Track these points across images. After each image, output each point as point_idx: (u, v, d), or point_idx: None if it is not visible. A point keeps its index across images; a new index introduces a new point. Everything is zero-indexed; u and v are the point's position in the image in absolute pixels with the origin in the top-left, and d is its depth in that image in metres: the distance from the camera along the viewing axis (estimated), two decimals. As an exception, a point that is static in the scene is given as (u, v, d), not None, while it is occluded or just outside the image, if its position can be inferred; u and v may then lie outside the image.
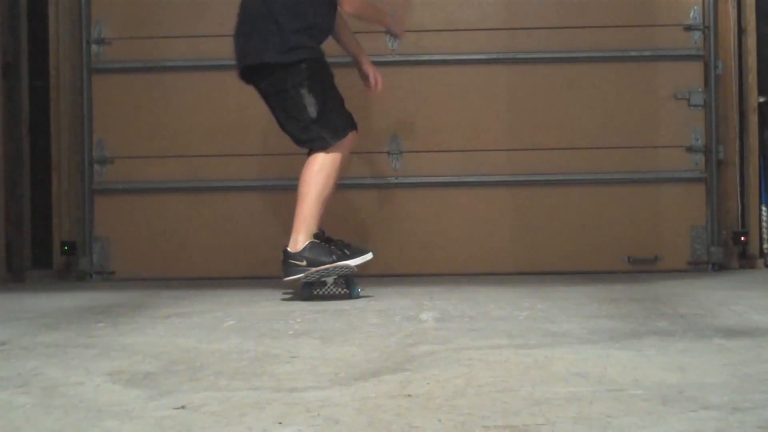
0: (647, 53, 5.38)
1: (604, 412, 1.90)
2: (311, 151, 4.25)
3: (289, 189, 5.41)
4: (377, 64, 5.37)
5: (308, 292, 4.10)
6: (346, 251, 4.13)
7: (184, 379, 2.34)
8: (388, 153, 5.43)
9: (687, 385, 2.15)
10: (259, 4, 4.24)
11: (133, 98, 5.48)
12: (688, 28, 5.37)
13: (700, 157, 5.37)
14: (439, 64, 5.41)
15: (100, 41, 5.47)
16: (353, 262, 4.11)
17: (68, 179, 5.48)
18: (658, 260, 5.34)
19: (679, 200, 5.39)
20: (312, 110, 4.17)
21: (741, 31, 5.38)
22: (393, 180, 5.44)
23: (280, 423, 1.87)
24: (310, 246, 4.07)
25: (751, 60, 5.37)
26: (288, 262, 4.08)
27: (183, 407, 2.02)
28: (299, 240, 4.08)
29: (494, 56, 5.42)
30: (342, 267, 4.07)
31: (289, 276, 4.09)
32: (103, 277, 5.46)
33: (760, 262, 5.36)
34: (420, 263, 5.36)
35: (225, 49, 5.43)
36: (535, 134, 5.41)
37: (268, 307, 3.88)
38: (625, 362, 2.45)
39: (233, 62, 5.40)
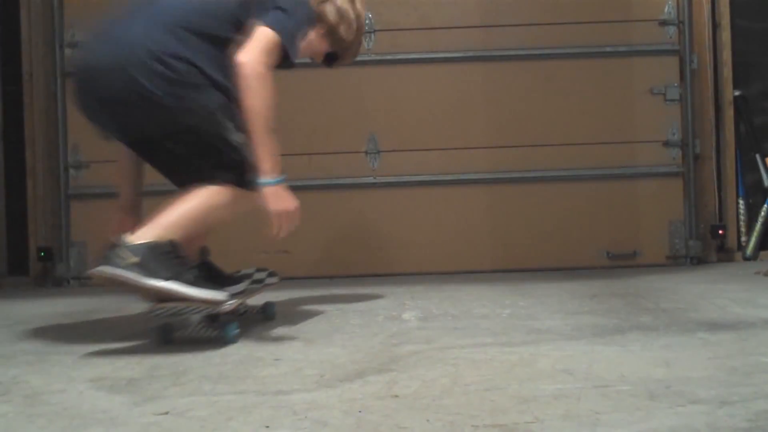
0: (623, 49, 5.39)
1: (593, 408, 1.90)
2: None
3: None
4: (353, 63, 5.36)
5: (165, 335, 3.02)
6: (193, 277, 2.91)
7: (168, 384, 2.32)
8: (366, 153, 5.41)
9: (673, 379, 2.14)
10: None
11: (107, 102, 5.44)
12: (663, 23, 5.38)
13: (677, 152, 5.38)
14: (415, 63, 5.40)
15: (74, 45, 5.42)
16: (196, 294, 2.84)
17: (43, 185, 5.43)
18: (638, 255, 5.35)
19: (657, 195, 5.40)
20: (234, 138, 3.15)
21: (715, 26, 5.40)
22: (371, 180, 5.43)
23: (267, 427, 1.85)
24: (155, 246, 2.84)
25: (726, 54, 5.39)
26: (114, 250, 2.79)
27: (168, 413, 2.00)
28: (147, 233, 2.89)
29: (470, 54, 5.41)
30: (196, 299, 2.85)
31: (105, 266, 2.76)
32: (80, 282, 5.42)
33: (738, 255, 5.38)
34: (400, 263, 5.34)
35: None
36: (512, 131, 5.41)
37: (249, 310, 3.85)
38: (610, 358, 2.45)
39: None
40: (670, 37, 5.38)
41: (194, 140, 3.11)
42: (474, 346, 2.71)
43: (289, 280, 5.17)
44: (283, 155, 5.45)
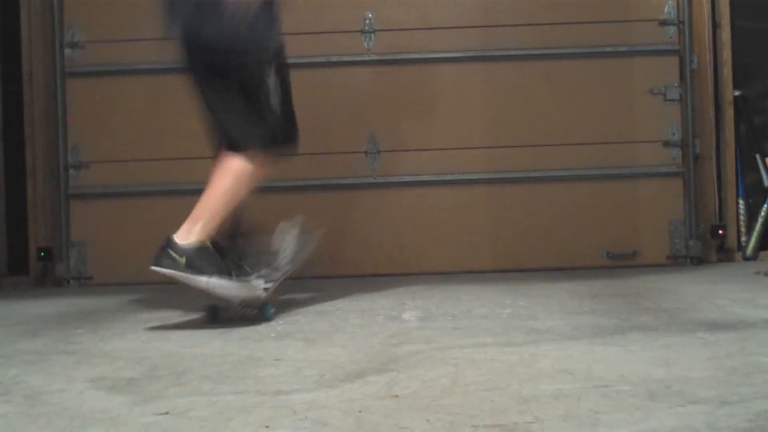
0: (623, 48, 5.39)
1: (593, 408, 1.90)
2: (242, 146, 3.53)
3: (266, 191, 5.42)
4: (353, 63, 5.38)
5: (213, 313, 3.50)
6: (234, 271, 3.40)
7: (168, 384, 2.32)
8: (366, 153, 5.41)
9: (673, 379, 2.14)
10: None
11: (108, 102, 5.44)
12: (663, 23, 5.38)
13: (677, 152, 5.38)
14: (415, 62, 5.39)
15: (74, 45, 5.43)
16: (236, 289, 3.37)
17: (43, 185, 5.43)
18: (638, 255, 5.35)
19: (657, 195, 5.40)
20: (275, 104, 3.56)
21: (715, 26, 5.40)
22: (371, 180, 5.43)
23: (267, 427, 1.85)
24: (200, 247, 3.31)
25: (726, 54, 5.39)
26: (166, 250, 3.30)
27: (168, 413, 2.00)
28: (193, 232, 3.33)
29: (470, 54, 5.41)
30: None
31: (159, 267, 3.28)
32: (80, 282, 5.42)
33: (738, 255, 5.38)
34: (400, 262, 5.34)
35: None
36: (512, 131, 5.41)
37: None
38: (610, 358, 2.45)
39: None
40: (670, 37, 5.38)
41: (239, 79, 3.53)
42: (474, 346, 2.71)
43: (289, 280, 5.17)
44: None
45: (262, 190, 5.38)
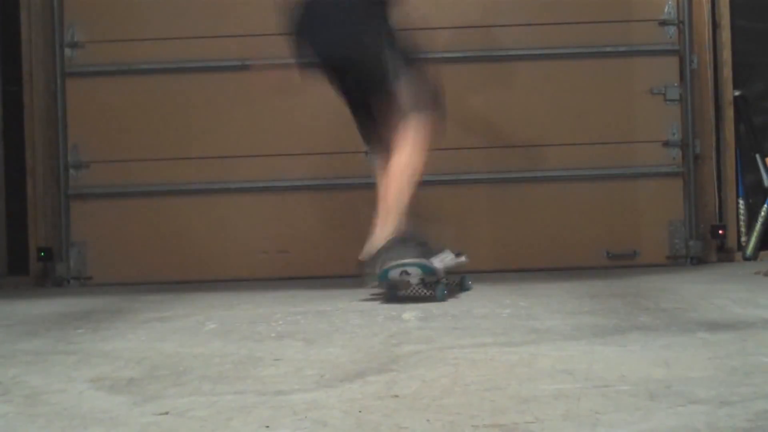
0: (622, 49, 5.39)
1: (593, 408, 1.90)
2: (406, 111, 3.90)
3: (267, 191, 5.43)
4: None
5: (392, 293, 3.90)
6: (427, 250, 3.88)
7: (168, 384, 2.32)
8: (366, 153, 5.41)
9: (673, 379, 2.14)
10: None
11: (108, 102, 5.45)
12: (663, 23, 5.39)
13: (677, 152, 5.38)
14: (415, 62, 5.39)
15: (74, 45, 5.43)
16: (440, 260, 3.87)
17: (43, 184, 5.43)
18: (638, 255, 5.35)
19: (657, 195, 5.40)
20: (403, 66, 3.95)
21: (715, 26, 5.40)
22: (371, 180, 5.42)
23: (267, 427, 1.85)
24: (396, 240, 3.80)
25: (726, 54, 5.39)
26: (377, 256, 3.80)
27: (168, 413, 2.00)
28: (388, 231, 3.82)
29: (470, 54, 5.41)
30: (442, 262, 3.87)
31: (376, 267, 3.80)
32: (80, 282, 5.42)
33: (738, 255, 5.38)
34: (400, 263, 5.33)
35: (201, 51, 5.44)
36: (511, 131, 5.41)
37: (250, 310, 3.85)
38: (610, 358, 2.45)
39: (209, 64, 5.40)
40: (670, 37, 5.39)
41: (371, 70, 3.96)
42: (474, 346, 2.71)
43: (289, 279, 5.19)
44: (283, 155, 5.50)
45: (263, 190, 5.41)
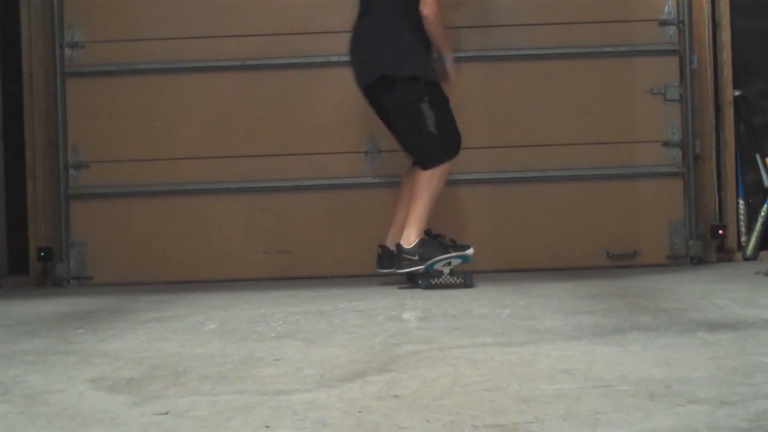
0: (623, 49, 5.40)
1: (593, 408, 1.90)
2: (422, 166, 4.52)
3: (267, 191, 5.43)
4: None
5: (426, 282, 4.39)
6: (452, 247, 4.48)
7: (168, 384, 2.31)
8: (366, 153, 5.42)
9: (673, 379, 2.14)
10: (378, 23, 4.58)
11: (107, 102, 5.45)
12: (663, 23, 5.39)
13: (677, 152, 5.39)
14: (415, 62, 5.38)
15: (74, 45, 5.43)
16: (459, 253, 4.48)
17: (43, 185, 5.44)
18: (638, 255, 5.35)
19: (657, 195, 5.40)
20: (431, 126, 4.48)
21: (715, 26, 5.41)
22: (371, 180, 5.43)
23: (268, 427, 1.85)
24: (421, 242, 4.39)
25: (726, 54, 5.40)
26: (401, 256, 4.40)
27: (168, 413, 2.00)
28: (411, 236, 4.40)
29: (470, 54, 5.41)
30: (455, 256, 4.45)
31: (403, 269, 4.43)
32: (80, 282, 5.42)
33: (738, 255, 5.38)
34: (400, 262, 5.34)
35: (200, 52, 5.44)
36: (511, 131, 5.42)
37: (250, 310, 3.85)
38: (610, 358, 2.44)
39: (209, 64, 5.41)
40: (670, 37, 5.39)
41: (403, 111, 4.55)
42: (474, 346, 2.71)
43: (289, 279, 5.19)
44: (283, 156, 5.50)
45: (262, 191, 5.40)
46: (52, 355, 2.84)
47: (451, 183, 5.34)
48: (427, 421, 1.85)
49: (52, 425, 1.93)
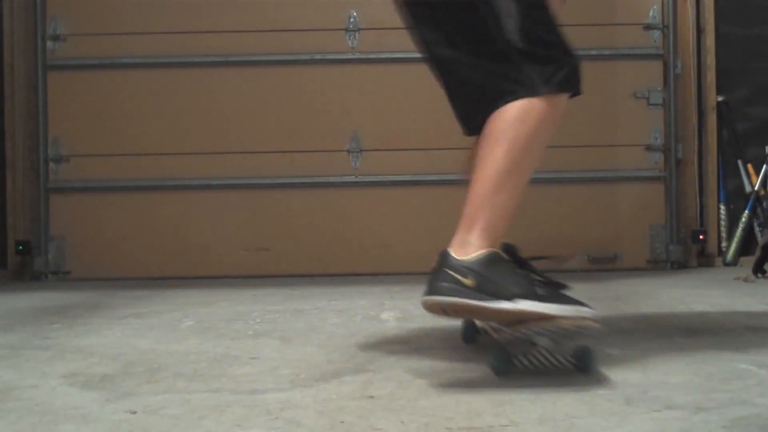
0: (607, 52, 5.39)
1: (568, 412, 1.89)
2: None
3: (248, 188, 5.41)
4: (337, 62, 5.36)
5: (502, 361, 2.27)
6: (547, 290, 2.33)
7: (142, 381, 2.30)
8: (348, 152, 5.40)
9: (650, 384, 2.14)
10: None
11: (89, 96, 5.42)
12: (648, 28, 5.39)
13: (659, 156, 5.39)
14: (399, 62, 5.37)
15: (56, 38, 5.40)
16: (559, 312, 2.21)
17: (23, 178, 5.40)
18: (618, 258, 5.36)
19: (639, 199, 5.41)
20: (513, 28, 2.35)
21: (700, 31, 5.41)
22: (353, 179, 5.41)
23: (240, 426, 1.84)
24: (489, 259, 2.28)
25: (710, 59, 5.40)
26: (443, 271, 2.25)
27: (140, 410, 1.98)
28: (471, 242, 2.31)
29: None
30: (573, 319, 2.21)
31: (436, 295, 2.23)
32: (58, 277, 5.39)
33: (719, 260, 5.39)
34: (380, 262, 5.33)
35: (183, 46, 5.41)
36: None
37: (227, 308, 3.83)
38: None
39: (192, 60, 5.38)
40: (655, 42, 5.40)
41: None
42: (451, 348, 2.70)
43: (269, 277, 5.17)
44: (265, 153, 5.48)
45: (244, 187, 5.38)
46: (25, 350, 2.82)
47: (432, 183, 5.35)
48: (402, 422, 1.83)
49: (22, 421, 1.91)
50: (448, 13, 2.45)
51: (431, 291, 2.24)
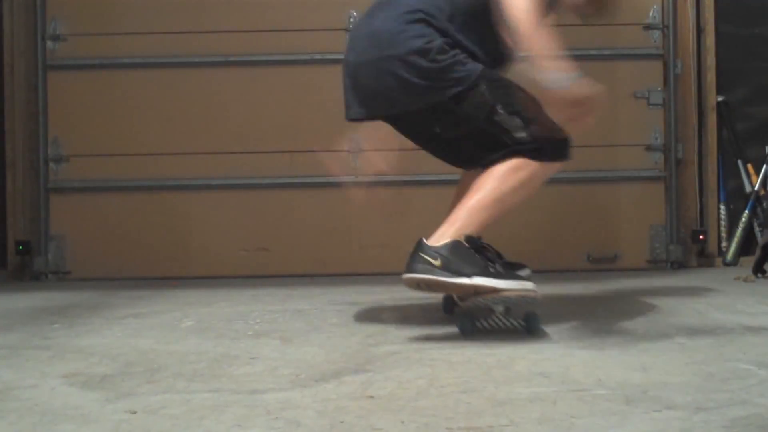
0: (607, 52, 5.39)
1: (568, 412, 1.89)
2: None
3: (248, 188, 5.41)
4: (337, 62, 5.33)
5: (468, 324, 2.96)
6: (498, 268, 2.98)
7: (142, 381, 2.30)
8: (348, 151, 5.39)
9: (650, 384, 2.14)
10: None
11: (89, 95, 5.41)
12: (648, 27, 5.39)
13: (659, 156, 5.39)
14: (399, 62, 5.37)
15: (56, 38, 5.39)
16: (506, 285, 2.89)
17: (23, 178, 5.39)
18: (618, 258, 5.35)
19: (639, 199, 5.40)
20: (521, 136, 3.08)
21: (700, 31, 5.41)
22: (352, 178, 5.41)
23: (240, 426, 1.84)
24: (453, 246, 2.90)
25: (710, 59, 5.40)
26: (417, 255, 2.92)
27: (140, 410, 1.98)
28: (445, 234, 2.95)
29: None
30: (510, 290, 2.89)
31: (412, 273, 2.90)
32: (58, 277, 5.39)
33: (719, 260, 5.38)
34: (380, 262, 5.32)
35: (183, 47, 5.40)
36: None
37: (227, 308, 3.83)
38: (587, 362, 2.44)
39: (192, 60, 5.37)
40: (655, 42, 5.39)
41: (464, 125, 3.19)
42: (451, 348, 2.70)
43: (269, 277, 5.17)
44: (265, 153, 5.48)
45: (244, 187, 5.38)
46: (25, 349, 2.82)
47: (431, 183, 5.35)
48: (402, 422, 1.84)
49: (22, 421, 1.91)
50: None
51: (409, 270, 2.91)
